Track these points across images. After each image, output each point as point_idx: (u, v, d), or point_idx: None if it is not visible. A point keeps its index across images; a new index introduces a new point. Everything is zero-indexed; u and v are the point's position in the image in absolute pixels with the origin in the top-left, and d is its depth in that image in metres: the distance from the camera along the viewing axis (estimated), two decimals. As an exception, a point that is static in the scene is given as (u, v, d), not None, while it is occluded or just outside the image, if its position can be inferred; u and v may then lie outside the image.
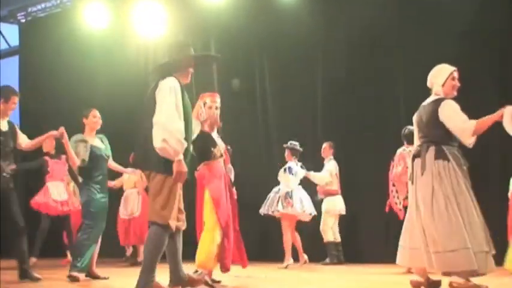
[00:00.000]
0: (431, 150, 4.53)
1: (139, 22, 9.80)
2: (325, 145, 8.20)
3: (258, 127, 9.28)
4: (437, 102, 4.59)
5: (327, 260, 7.94)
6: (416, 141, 4.74)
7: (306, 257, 7.58)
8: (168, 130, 3.80)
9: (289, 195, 7.44)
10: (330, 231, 8.00)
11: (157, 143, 3.82)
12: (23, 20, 11.86)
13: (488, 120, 4.49)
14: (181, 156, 3.85)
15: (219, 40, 9.50)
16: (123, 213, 8.45)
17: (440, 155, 4.49)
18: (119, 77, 9.90)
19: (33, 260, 7.45)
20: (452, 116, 4.52)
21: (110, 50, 10.25)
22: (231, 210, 5.41)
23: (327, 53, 8.76)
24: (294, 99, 8.95)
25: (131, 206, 8.39)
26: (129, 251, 8.83)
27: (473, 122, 4.47)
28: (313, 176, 7.91)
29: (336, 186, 8.07)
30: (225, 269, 5.33)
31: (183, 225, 4.17)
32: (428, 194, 4.46)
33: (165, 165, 3.88)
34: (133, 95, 9.20)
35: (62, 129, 5.79)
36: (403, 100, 7.95)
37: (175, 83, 3.95)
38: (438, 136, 4.55)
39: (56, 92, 10.72)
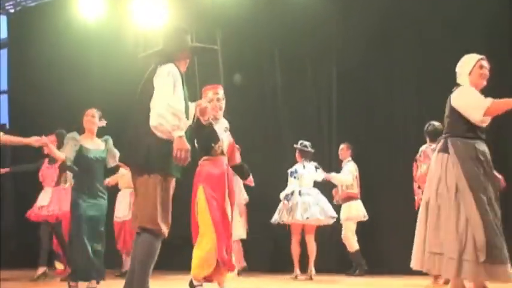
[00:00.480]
0: (440, 143, 4.54)
1: (138, 12, 9.65)
2: (342, 146, 8.06)
3: (267, 125, 9.15)
4: (454, 91, 4.53)
5: (357, 272, 7.75)
6: None
7: (298, 272, 7.41)
8: (164, 105, 3.68)
9: (288, 198, 7.32)
10: (355, 239, 7.83)
11: (153, 121, 3.69)
12: (12, 10, 11.74)
13: (507, 102, 4.37)
14: (181, 133, 3.68)
15: (225, 31, 9.36)
16: (116, 215, 8.24)
17: (442, 148, 4.47)
18: (116, 71, 9.73)
19: (41, 269, 7.57)
20: (465, 96, 4.43)
21: (106, 42, 10.12)
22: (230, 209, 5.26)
23: (340, 45, 8.65)
24: (306, 95, 8.86)
25: (123, 207, 8.17)
26: (125, 265, 8.62)
27: (489, 99, 4.38)
28: (334, 177, 7.79)
29: (356, 189, 7.90)
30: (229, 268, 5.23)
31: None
32: (426, 190, 4.55)
33: (158, 163, 3.73)
34: (130, 92, 9.01)
35: (44, 138, 5.83)
36: (424, 94, 7.84)
37: (174, 69, 3.91)
38: (450, 126, 4.50)
39: (49, 86, 10.58)
